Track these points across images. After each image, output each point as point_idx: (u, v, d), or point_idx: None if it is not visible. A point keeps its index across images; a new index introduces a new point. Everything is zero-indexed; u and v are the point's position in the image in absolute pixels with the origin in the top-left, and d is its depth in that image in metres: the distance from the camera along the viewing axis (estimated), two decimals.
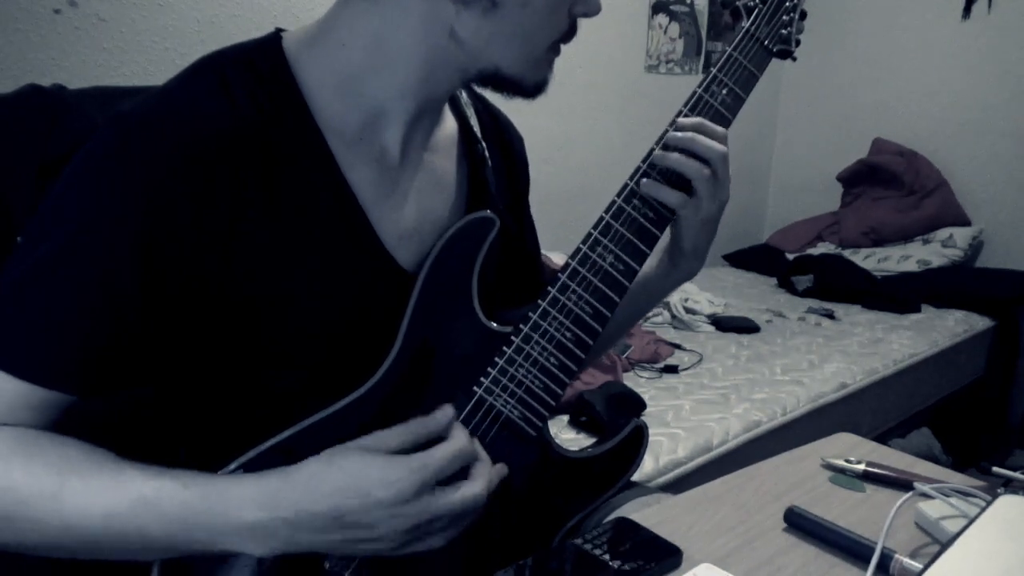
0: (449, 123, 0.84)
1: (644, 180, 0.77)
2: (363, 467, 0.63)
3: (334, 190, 0.71)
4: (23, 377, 0.63)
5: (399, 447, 0.65)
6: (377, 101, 0.72)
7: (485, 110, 0.89)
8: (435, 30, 0.69)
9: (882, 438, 2.27)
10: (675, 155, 0.76)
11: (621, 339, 0.94)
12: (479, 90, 0.80)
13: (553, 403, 0.76)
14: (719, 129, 0.78)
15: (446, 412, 0.69)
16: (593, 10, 0.73)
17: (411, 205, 0.77)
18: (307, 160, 0.70)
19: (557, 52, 0.74)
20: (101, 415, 0.73)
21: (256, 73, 0.69)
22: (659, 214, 0.77)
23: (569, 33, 0.74)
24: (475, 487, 0.66)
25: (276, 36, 0.73)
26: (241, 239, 0.67)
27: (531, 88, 0.74)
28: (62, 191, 0.65)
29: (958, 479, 0.84)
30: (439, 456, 0.65)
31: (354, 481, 0.62)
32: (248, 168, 0.67)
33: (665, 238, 0.82)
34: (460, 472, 0.67)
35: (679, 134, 0.77)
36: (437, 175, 0.80)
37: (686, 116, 0.78)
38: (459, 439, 0.67)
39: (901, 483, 0.83)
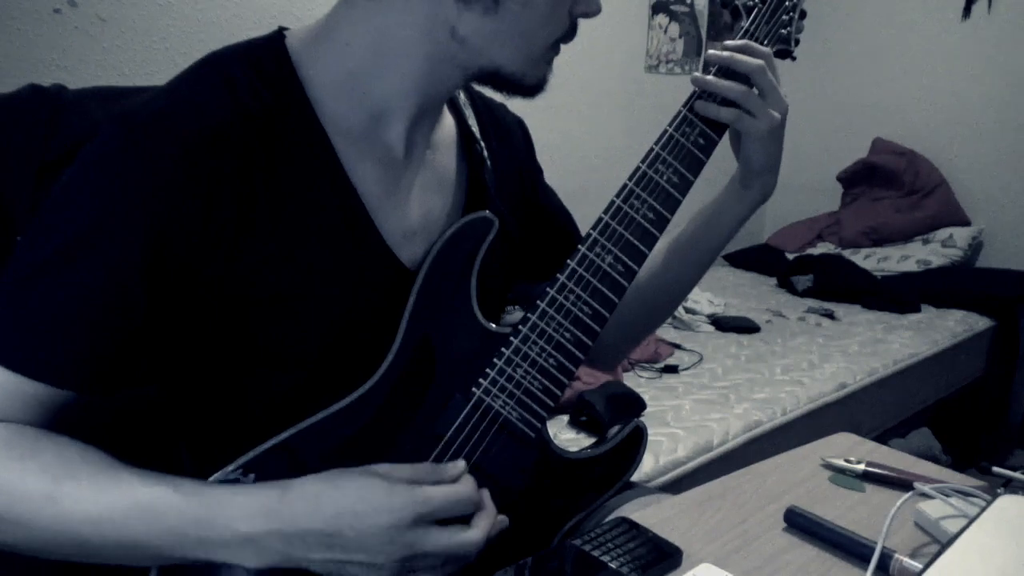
0: (448, 122, 0.84)
1: (698, 102, 0.78)
2: (365, 491, 0.63)
3: (338, 188, 0.71)
4: (24, 373, 0.63)
5: (406, 480, 0.66)
6: (380, 99, 0.72)
7: (481, 104, 0.89)
8: (437, 29, 0.69)
9: (882, 438, 2.27)
10: (714, 78, 0.77)
11: (695, 283, 0.94)
12: (477, 88, 0.80)
13: (552, 404, 0.76)
14: (760, 48, 0.78)
15: (458, 463, 0.70)
16: (593, 10, 0.73)
17: (415, 203, 0.77)
18: (311, 158, 0.70)
19: (557, 51, 0.75)
20: (103, 413, 0.73)
21: (260, 71, 0.69)
22: (659, 215, 0.77)
23: (569, 33, 0.74)
24: (473, 535, 0.66)
25: (279, 34, 0.73)
26: (245, 236, 0.67)
27: (531, 87, 0.74)
28: (66, 189, 0.65)
29: (958, 479, 0.84)
30: (442, 494, 0.65)
31: (354, 504, 0.62)
32: (253, 165, 0.67)
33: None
34: (463, 519, 0.67)
35: (716, 52, 0.78)
36: (439, 173, 0.81)
37: (690, 108, 0.78)
38: (467, 486, 0.68)
39: (901, 483, 0.83)
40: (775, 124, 0.79)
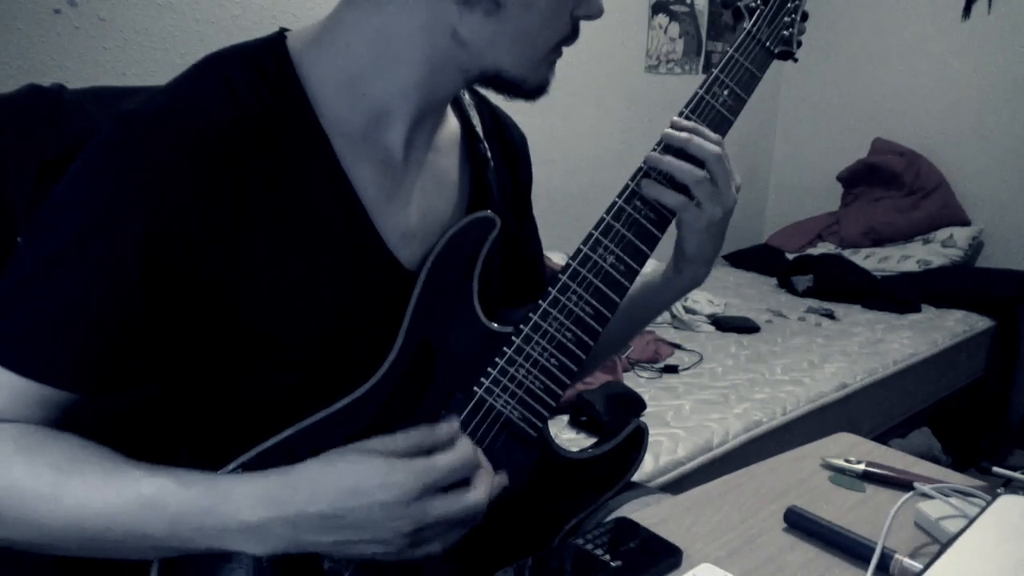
0: (452, 123, 0.84)
1: (644, 180, 0.77)
2: (365, 469, 0.63)
3: (337, 189, 0.71)
4: (26, 374, 0.63)
5: (403, 452, 0.65)
6: (380, 101, 0.72)
7: (487, 110, 0.89)
8: (438, 31, 0.69)
9: (882, 438, 2.27)
10: (669, 158, 0.76)
11: (622, 348, 0.93)
12: (481, 91, 0.80)
13: (553, 404, 0.76)
14: (713, 135, 0.77)
15: (452, 424, 0.69)
16: (595, 12, 0.73)
17: (414, 205, 0.77)
18: (310, 159, 0.70)
19: (559, 53, 0.75)
20: (104, 413, 0.73)
21: (260, 72, 0.69)
22: (660, 215, 0.77)
23: (571, 35, 0.74)
24: (476, 495, 0.66)
25: (280, 36, 0.73)
26: (244, 236, 0.67)
27: (532, 89, 0.74)
28: (66, 189, 0.65)
29: (958, 479, 0.84)
30: (443, 463, 0.65)
31: (356, 482, 0.62)
32: (252, 166, 0.67)
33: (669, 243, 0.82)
34: (462, 480, 0.67)
35: (674, 132, 0.76)
36: (440, 175, 0.80)
37: (687, 117, 0.78)
38: (464, 448, 0.67)
39: (901, 483, 0.83)
40: (715, 219, 0.78)
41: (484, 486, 0.68)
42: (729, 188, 0.78)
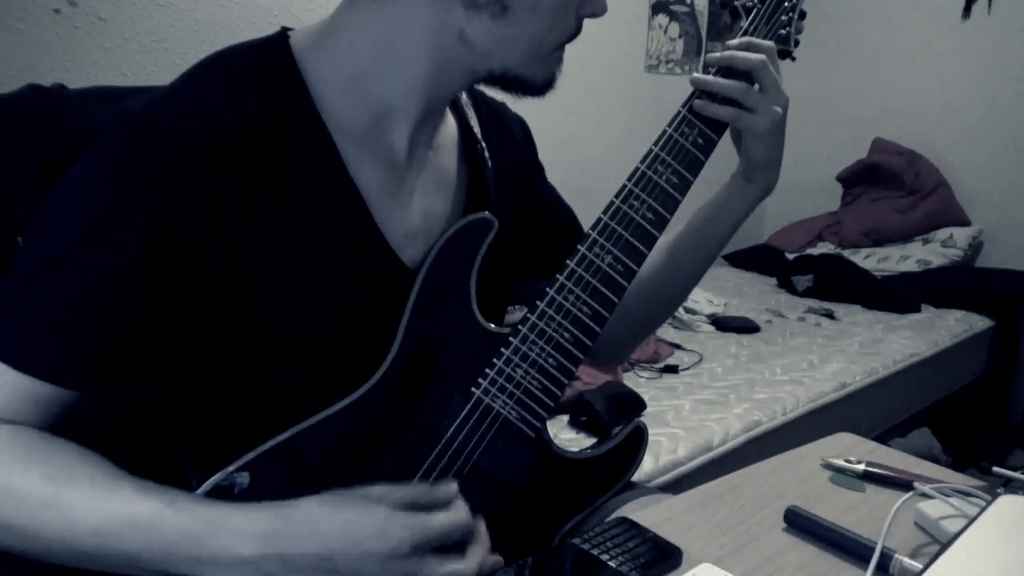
0: (450, 123, 0.84)
1: (696, 101, 0.78)
2: (363, 516, 0.63)
3: (341, 188, 0.71)
4: (27, 372, 0.63)
5: (401, 504, 0.65)
6: (384, 100, 0.72)
7: (482, 103, 0.89)
8: (444, 32, 0.69)
9: (882, 438, 2.26)
10: (712, 78, 0.78)
11: (699, 279, 0.94)
12: (485, 88, 0.80)
13: (552, 404, 0.76)
14: (763, 43, 0.79)
15: (450, 485, 0.69)
16: (600, 10, 0.73)
17: (417, 204, 0.77)
18: (314, 158, 0.70)
19: (562, 50, 0.75)
20: (104, 413, 0.73)
21: (264, 71, 0.69)
22: (658, 215, 0.77)
23: (575, 33, 0.74)
24: (467, 565, 0.66)
25: (283, 35, 0.73)
26: (247, 236, 0.67)
27: (540, 86, 0.74)
28: (69, 190, 0.65)
29: (958, 479, 0.84)
30: (440, 522, 0.65)
31: (352, 528, 0.62)
32: (256, 166, 0.67)
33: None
34: (455, 547, 0.67)
35: (717, 54, 0.78)
36: (440, 174, 0.80)
37: (686, 114, 0.78)
38: (460, 511, 0.67)
39: (901, 483, 0.83)
40: (776, 119, 0.79)
41: (476, 558, 0.67)
42: (778, 88, 0.79)
